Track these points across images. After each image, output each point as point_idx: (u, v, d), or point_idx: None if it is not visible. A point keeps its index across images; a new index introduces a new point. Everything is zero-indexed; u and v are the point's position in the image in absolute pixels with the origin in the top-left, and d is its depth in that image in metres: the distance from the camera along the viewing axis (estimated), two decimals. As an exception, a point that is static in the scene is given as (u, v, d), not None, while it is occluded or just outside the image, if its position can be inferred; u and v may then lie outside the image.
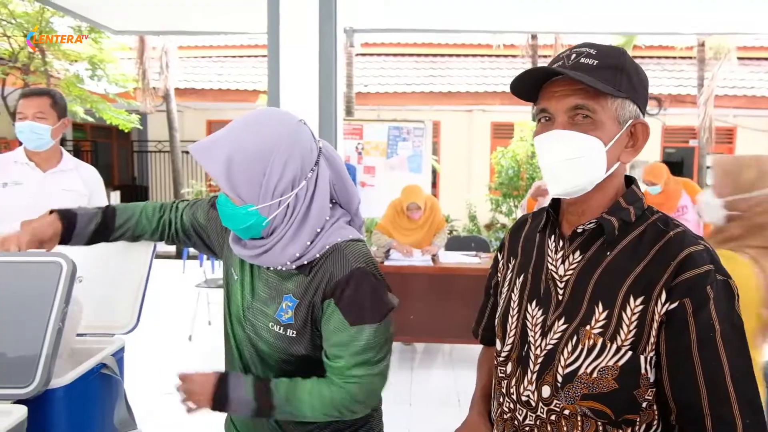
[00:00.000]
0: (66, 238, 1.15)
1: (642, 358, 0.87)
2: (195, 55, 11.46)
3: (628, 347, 0.87)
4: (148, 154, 11.79)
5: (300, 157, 1.01)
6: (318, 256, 1.04)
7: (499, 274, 1.13)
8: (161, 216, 1.28)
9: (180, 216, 1.26)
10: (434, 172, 8.26)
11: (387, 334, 1.04)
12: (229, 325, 1.15)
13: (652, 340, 0.86)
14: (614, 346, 0.87)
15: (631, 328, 0.87)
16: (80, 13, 4.94)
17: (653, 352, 0.87)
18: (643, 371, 0.87)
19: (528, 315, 0.98)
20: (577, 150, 0.89)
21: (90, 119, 9.01)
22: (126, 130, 9.28)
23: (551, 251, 0.98)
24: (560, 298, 0.94)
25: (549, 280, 0.97)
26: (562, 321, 0.93)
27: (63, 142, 10.83)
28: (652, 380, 0.88)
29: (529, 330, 0.98)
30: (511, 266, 1.08)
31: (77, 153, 11.28)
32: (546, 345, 0.94)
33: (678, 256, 0.86)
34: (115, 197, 9.83)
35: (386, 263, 4.02)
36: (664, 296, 0.85)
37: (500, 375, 1.03)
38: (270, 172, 0.98)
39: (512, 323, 1.02)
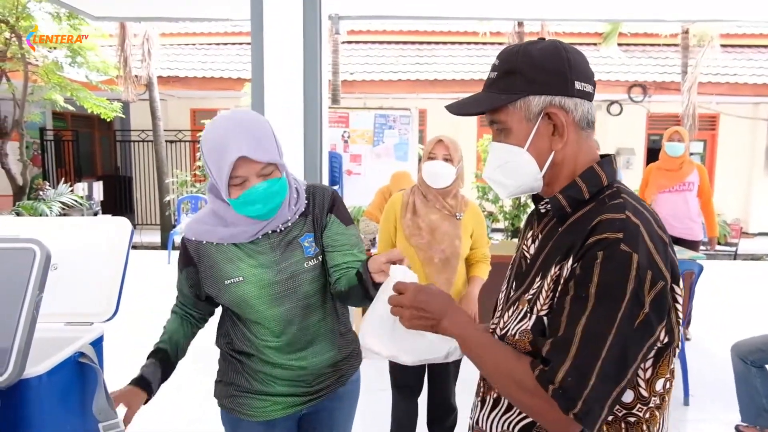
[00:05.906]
0: (149, 398, 1.34)
1: (546, 320, 0.88)
2: (178, 43, 11.25)
3: (544, 312, 0.88)
4: (131, 143, 11.61)
5: None
6: (306, 201, 1.40)
7: None
8: (188, 321, 1.53)
9: (192, 306, 1.50)
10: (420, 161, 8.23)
11: None
12: (255, 313, 1.35)
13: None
14: (535, 311, 0.90)
15: (548, 293, 0.89)
16: (58, -2, 4.83)
17: None
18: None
19: (506, 290, 1.04)
20: (502, 157, 0.97)
21: (71, 108, 8.83)
22: (108, 119, 9.12)
23: (530, 231, 1.04)
24: (522, 271, 1.00)
25: (522, 258, 1.03)
26: (514, 291, 0.99)
27: (43, 131, 10.62)
28: None
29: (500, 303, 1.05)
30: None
31: (58, 143, 11.06)
32: (503, 313, 0.99)
33: (593, 222, 0.85)
34: (98, 188, 9.64)
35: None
36: (571, 261, 0.86)
37: None
38: (275, 139, 1.30)
39: (499, 297, 1.07)
